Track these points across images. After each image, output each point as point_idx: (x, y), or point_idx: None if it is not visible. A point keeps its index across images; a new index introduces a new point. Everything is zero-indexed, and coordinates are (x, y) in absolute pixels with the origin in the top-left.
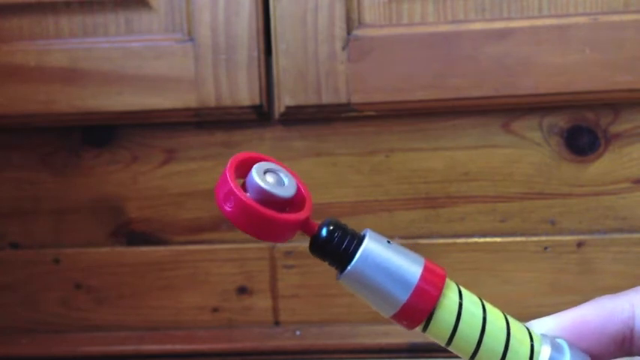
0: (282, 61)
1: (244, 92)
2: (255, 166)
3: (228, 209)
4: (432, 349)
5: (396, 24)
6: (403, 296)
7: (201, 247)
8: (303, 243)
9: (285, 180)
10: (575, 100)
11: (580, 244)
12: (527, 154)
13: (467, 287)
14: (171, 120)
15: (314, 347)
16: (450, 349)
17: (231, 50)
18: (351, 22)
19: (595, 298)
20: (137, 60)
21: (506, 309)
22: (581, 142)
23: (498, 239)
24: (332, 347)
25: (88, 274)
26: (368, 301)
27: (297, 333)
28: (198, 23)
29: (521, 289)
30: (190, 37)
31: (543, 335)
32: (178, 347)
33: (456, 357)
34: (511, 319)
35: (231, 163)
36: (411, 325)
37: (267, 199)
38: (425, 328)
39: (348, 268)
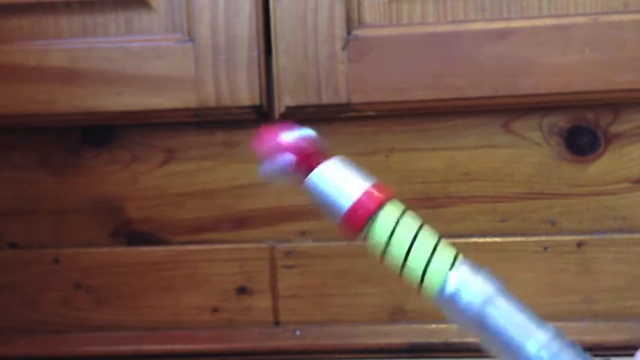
0: (282, 61)
1: (244, 92)
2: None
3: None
4: (432, 349)
5: (396, 24)
6: (346, 205)
7: (200, 247)
8: (303, 243)
9: None
10: (575, 100)
11: (580, 244)
12: (527, 154)
13: None
14: (171, 120)
15: (314, 347)
16: (386, 263)
17: (231, 50)
18: (351, 22)
19: (595, 298)
20: (137, 60)
21: None
22: (581, 142)
23: (498, 239)
24: (332, 347)
25: (88, 274)
26: (323, 208)
27: (297, 333)
28: (198, 23)
29: (521, 289)
30: (190, 37)
31: (467, 260)
32: (178, 347)
33: (456, 358)
34: (444, 241)
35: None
36: (352, 232)
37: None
38: (366, 239)
39: (309, 175)
